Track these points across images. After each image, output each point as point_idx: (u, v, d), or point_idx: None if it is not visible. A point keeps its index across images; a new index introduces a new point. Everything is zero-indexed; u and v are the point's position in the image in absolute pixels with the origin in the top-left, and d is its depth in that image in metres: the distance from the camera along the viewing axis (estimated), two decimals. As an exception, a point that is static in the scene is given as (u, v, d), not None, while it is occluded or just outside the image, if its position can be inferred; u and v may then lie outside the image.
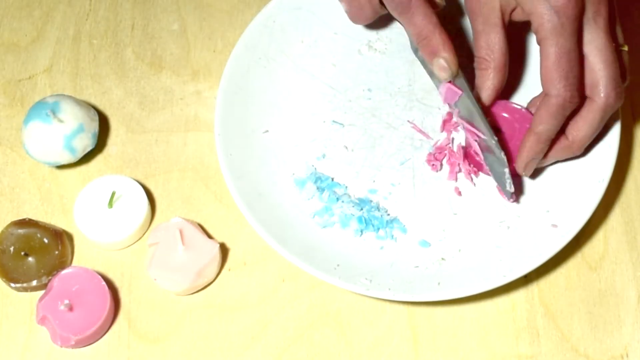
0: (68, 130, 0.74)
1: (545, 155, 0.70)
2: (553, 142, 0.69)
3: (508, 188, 0.71)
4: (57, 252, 0.72)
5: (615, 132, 0.73)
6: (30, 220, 0.73)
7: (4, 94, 0.81)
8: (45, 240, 0.72)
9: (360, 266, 0.70)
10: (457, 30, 0.80)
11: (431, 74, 0.72)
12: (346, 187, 0.75)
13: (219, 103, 0.75)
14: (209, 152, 0.78)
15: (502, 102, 0.72)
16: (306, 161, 0.76)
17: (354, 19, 0.74)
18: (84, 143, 0.75)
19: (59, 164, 0.76)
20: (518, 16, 0.69)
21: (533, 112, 0.70)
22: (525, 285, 0.73)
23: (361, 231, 0.73)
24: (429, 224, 0.74)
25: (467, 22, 0.76)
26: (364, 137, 0.77)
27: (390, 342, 0.71)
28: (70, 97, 0.76)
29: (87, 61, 0.83)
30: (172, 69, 0.82)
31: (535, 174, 0.74)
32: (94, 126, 0.76)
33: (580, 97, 0.67)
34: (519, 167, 0.71)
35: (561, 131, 0.69)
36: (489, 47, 0.69)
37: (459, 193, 0.75)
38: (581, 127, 0.69)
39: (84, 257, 0.74)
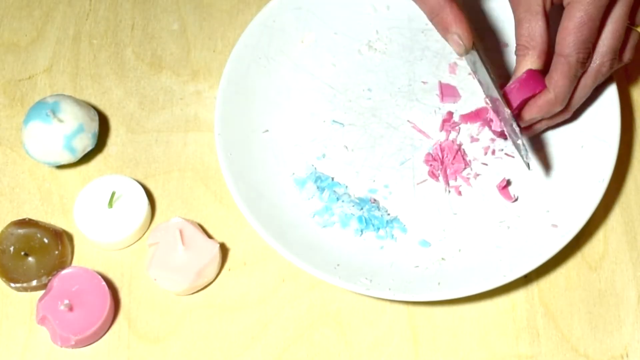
0: (68, 130, 0.74)
1: (526, 111, 0.71)
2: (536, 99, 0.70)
3: (525, 159, 0.70)
4: (57, 252, 0.72)
5: (615, 131, 0.73)
6: (30, 220, 0.73)
7: (4, 94, 0.81)
8: (45, 240, 0.72)
9: (360, 266, 0.70)
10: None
11: (480, 82, 0.72)
12: (346, 186, 0.75)
13: (219, 103, 0.75)
14: (209, 152, 0.78)
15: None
16: (306, 161, 0.76)
17: None
18: (84, 143, 0.75)
19: (59, 164, 0.76)
20: None
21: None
22: (525, 285, 0.73)
23: (361, 231, 0.73)
24: (429, 223, 0.74)
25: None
26: (364, 137, 0.77)
27: (390, 342, 0.71)
28: (70, 97, 0.76)
29: (87, 61, 0.83)
30: (172, 69, 0.82)
31: (536, 173, 0.74)
32: (94, 126, 0.76)
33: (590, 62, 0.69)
34: (525, 118, 0.71)
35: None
36: (530, 35, 0.69)
37: (459, 193, 0.75)
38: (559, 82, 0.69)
39: (84, 257, 0.74)
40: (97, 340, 0.71)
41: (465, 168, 0.75)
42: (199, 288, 0.73)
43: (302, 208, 0.74)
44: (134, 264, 0.74)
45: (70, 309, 0.69)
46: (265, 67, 0.78)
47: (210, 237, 0.75)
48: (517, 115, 0.71)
